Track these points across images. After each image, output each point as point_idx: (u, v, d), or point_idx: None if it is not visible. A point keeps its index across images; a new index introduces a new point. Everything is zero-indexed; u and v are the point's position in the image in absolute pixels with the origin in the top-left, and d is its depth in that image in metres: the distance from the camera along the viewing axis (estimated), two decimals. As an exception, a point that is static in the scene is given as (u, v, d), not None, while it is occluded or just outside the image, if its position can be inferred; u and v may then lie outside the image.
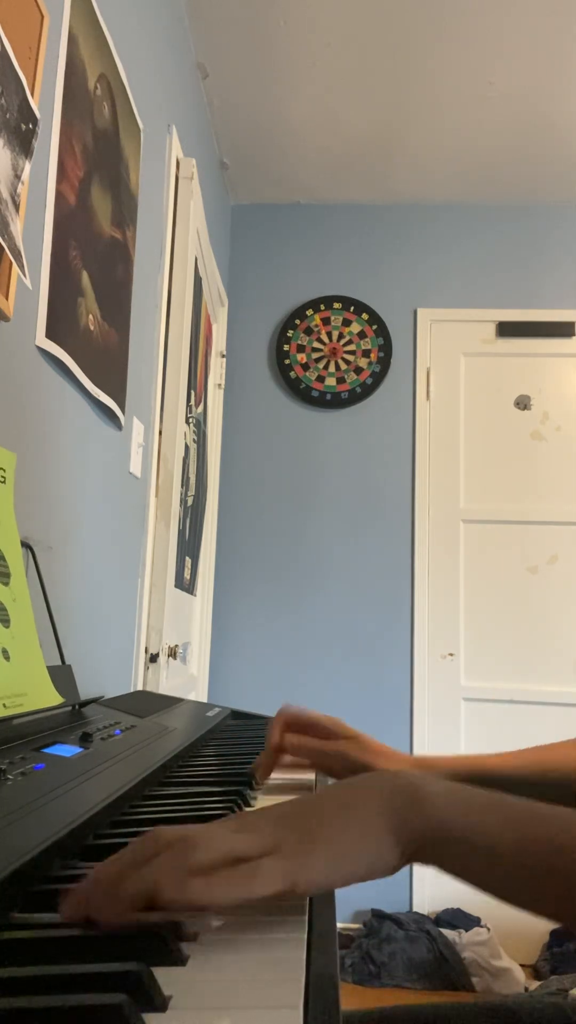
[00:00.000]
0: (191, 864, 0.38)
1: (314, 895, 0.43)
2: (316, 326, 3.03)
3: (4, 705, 0.71)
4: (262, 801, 0.72)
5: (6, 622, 0.79)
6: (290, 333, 3.03)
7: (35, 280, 1.10)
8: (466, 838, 0.44)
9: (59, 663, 1.03)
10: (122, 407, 1.54)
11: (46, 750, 0.68)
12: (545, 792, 0.81)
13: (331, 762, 0.78)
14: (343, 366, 3.00)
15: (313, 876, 0.41)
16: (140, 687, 1.77)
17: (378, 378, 2.99)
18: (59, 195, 1.18)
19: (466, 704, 2.82)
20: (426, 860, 0.45)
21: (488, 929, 2.46)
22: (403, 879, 2.70)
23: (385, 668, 2.84)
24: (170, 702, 1.24)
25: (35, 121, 1.03)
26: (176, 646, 2.06)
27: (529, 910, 0.44)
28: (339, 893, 0.46)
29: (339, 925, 2.41)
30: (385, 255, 3.09)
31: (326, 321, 3.03)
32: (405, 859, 0.44)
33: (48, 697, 0.80)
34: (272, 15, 2.20)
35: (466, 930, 2.47)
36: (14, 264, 0.96)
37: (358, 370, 3.00)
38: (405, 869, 2.84)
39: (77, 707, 0.93)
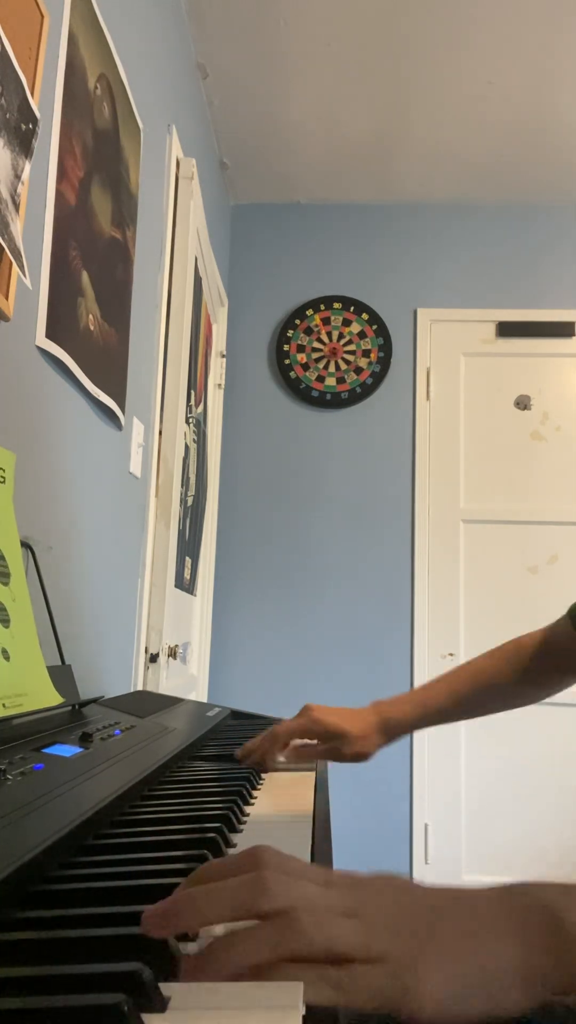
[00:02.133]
0: (288, 953, 0.34)
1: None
2: (316, 326, 3.03)
3: (4, 705, 0.71)
4: (269, 784, 0.73)
5: (6, 622, 0.79)
6: (290, 333, 3.03)
7: (35, 280, 1.10)
8: None
9: (59, 663, 1.03)
10: (122, 407, 1.54)
11: (46, 750, 0.68)
12: (482, 705, 1.03)
13: (311, 732, 0.97)
14: (343, 366, 3.00)
15: (419, 1003, 0.35)
16: (140, 687, 1.77)
17: (378, 378, 2.99)
18: (59, 195, 1.18)
19: (466, 704, 2.81)
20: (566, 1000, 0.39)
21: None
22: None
23: (385, 668, 2.84)
24: (170, 702, 1.24)
25: (35, 121, 1.03)
26: (176, 646, 2.06)
27: None
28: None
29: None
30: (385, 255, 3.09)
31: (326, 321, 3.03)
32: (536, 1002, 0.37)
33: (48, 697, 0.80)
34: (272, 15, 2.20)
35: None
36: (14, 264, 0.96)
37: (358, 370, 3.00)
38: (404, 868, 2.83)
39: (77, 707, 0.93)
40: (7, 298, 0.99)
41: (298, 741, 0.98)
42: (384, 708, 1.02)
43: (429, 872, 2.68)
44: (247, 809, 0.67)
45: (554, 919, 0.38)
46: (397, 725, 1.01)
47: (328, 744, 0.98)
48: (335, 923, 0.35)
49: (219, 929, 0.37)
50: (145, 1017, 0.29)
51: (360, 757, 0.99)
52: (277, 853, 0.39)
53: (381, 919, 0.37)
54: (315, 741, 0.98)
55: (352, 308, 3.04)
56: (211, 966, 0.34)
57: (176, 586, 2.09)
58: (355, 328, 3.02)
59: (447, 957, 0.36)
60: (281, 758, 0.95)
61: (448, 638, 2.86)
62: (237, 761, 0.91)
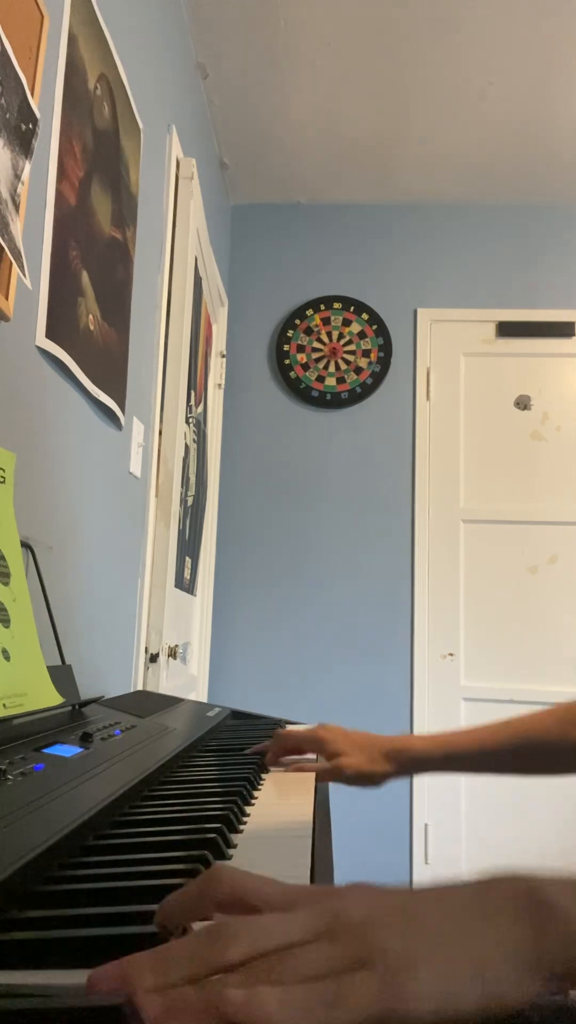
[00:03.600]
0: (271, 994, 0.30)
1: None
2: (316, 326, 3.03)
3: (4, 705, 0.71)
4: (269, 784, 0.72)
5: (6, 622, 0.79)
6: (290, 333, 3.03)
7: (35, 280, 1.10)
8: None
9: (59, 663, 1.03)
10: (122, 407, 1.53)
11: (46, 750, 0.68)
12: (522, 763, 0.91)
13: (330, 778, 0.91)
14: (343, 366, 3.00)
15: (416, 1003, 0.31)
16: (140, 687, 1.77)
17: (378, 378, 2.99)
18: (59, 195, 1.18)
19: (466, 704, 2.82)
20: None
21: (488, 929, 2.46)
22: (403, 879, 2.70)
23: (385, 668, 2.84)
24: (170, 702, 1.24)
25: (35, 121, 1.03)
26: (176, 646, 2.06)
27: None
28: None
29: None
30: (385, 255, 3.09)
31: (326, 321, 3.03)
32: (546, 988, 0.35)
33: (48, 697, 0.80)
34: (272, 15, 2.20)
35: (466, 930, 2.47)
36: (14, 264, 0.96)
37: (358, 370, 3.00)
38: (404, 868, 2.82)
39: (77, 707, 0.93)
40: (7, 298, 0.99)
41: (295, 757, 0.95)
42: (401, 737, 0.96)
43: (429, 872, 2.68)
44: (247, 809, 0.67)
45: (543, 899, 0.36)
46: (409, 753, 0.94)
47: (329, 763, 0.93)
48: (304, 955, 0.32)
49: None
50: (147, 1018, 0.29)
51: (363, 778, 0.93)
52: (233, 873, 0.36)
53: (358, 929, 0.33)
54: (314, 757, 0.96)
55: (352, 308, 3.04)
56: (175, 1008, 0.30)
57: (176, 586, 2.09)
58: (355, 328, 3.02)
59: (437, 951, 0.33)
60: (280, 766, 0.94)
61: (448, 638, 2.86)
62: (240, 753, 0.91)
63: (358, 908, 0.35)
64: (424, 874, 2.68)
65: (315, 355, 3.01)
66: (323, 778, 0.90)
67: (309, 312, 3.04)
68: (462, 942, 0.34)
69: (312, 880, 0.45)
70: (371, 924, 0.34)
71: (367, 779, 0.92)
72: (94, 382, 1.35)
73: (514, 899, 0.36)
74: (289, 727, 1.17)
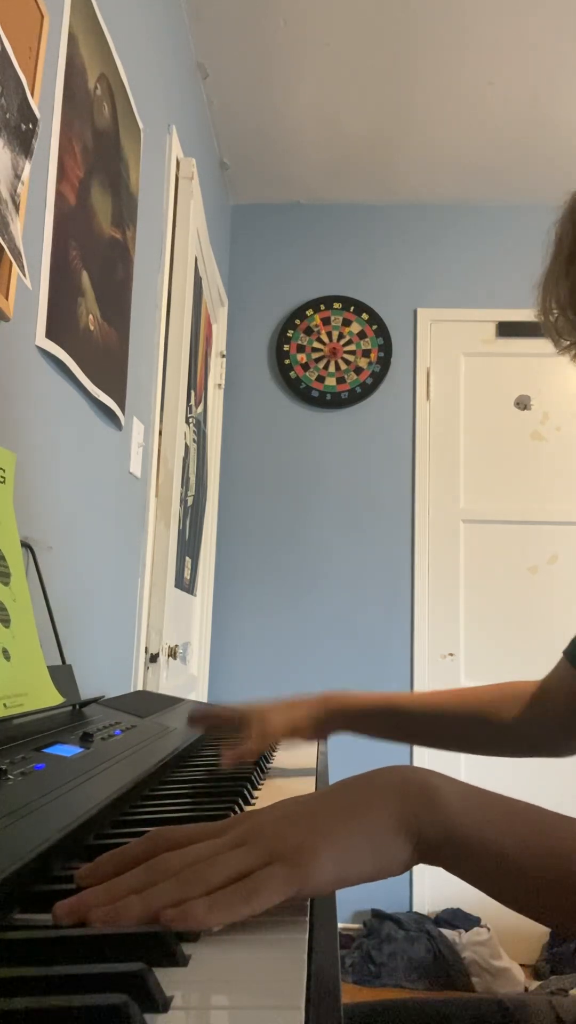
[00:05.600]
0: (195, 894, 0.37)
1: (322, 896, 0.41)
2: (316, 326, 3.03)
3: (4, 705, 0.71)
4: (267, 787, 0.72)
5: (6, 622, 0.79)
6: (290, 333, 3.03)
7: (35, 280, 1.10)
8: (477, 845, 0.43)
9: (59, 663, 1.03)
10: (122, 407, 1.53)
11: (46, 750, 0.68)
12: (459, 727, 0.90)
13: (263, 744, 0.85)
14: (343, 366, 3.00)
15: (318, 880, 0.39)
16: (140, 687, 1.77)
17: (378, 378, 2.99)
18: (59, 195, 1.18)
19: (466, 704, 2.82)
20: (435, 862, 0.44)
21: (488, 929, 2.46)
22: (403, 879, 2.70)
23: (385, 668, 2.84)
24: (170, 702, 1.24)
25: (35, 121, 1.03)
26: (176, 646, 2.06)
27: (535, 919, 0.44)
28: (339, 893, 0.46)
29: (339, 925, 2.41)
30: (385, 255, 3.09)
31: (326, 321, 3.03)
32: (415, 860, 0.44)
33: (48, 697, 0.80)
34: (272, 15, 2.20)
35: (466, 930, 2.47)
36: (14, 264, 0.96)
37: (358, 370, 2.99)
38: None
39: (77, 707, 0.93)
40: (7, 298, 0.99)
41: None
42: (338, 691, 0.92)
43: (428, 873, 2.68)
44: (248, 810, 0.67)
45: (421, 781, 0.45)
46: (342, 699, 0.90)
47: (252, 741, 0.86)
48: (225, 859, 0.39)
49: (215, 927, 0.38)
50: (148, 1017, 0.29)
51: (294, 731, 0.87)
52: (170, 829, 0.43)
53: (267, 833, 0.41)
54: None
55: (352, 308, 3.04)
56: (120, 912, 0.36)
57: (176, 586, 2.09)
58: (355, 328, 3.02)
59: (333, 832, 0.41)
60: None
61: (448, 638, 2.86)
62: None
63: (267, 816, 0.43)
64: (423, 875, 2.68)
65: (315, 355, 3.01)
66: (255, 748, 0.83)
67: (309, 312, 3.04)
68: (355, 824, 0.42)
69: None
70: (279, 827, 0.41)
71: (297, 731, 0.87)
72: (94, 382, 1.35)
73: (394, 782, 0.45)
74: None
